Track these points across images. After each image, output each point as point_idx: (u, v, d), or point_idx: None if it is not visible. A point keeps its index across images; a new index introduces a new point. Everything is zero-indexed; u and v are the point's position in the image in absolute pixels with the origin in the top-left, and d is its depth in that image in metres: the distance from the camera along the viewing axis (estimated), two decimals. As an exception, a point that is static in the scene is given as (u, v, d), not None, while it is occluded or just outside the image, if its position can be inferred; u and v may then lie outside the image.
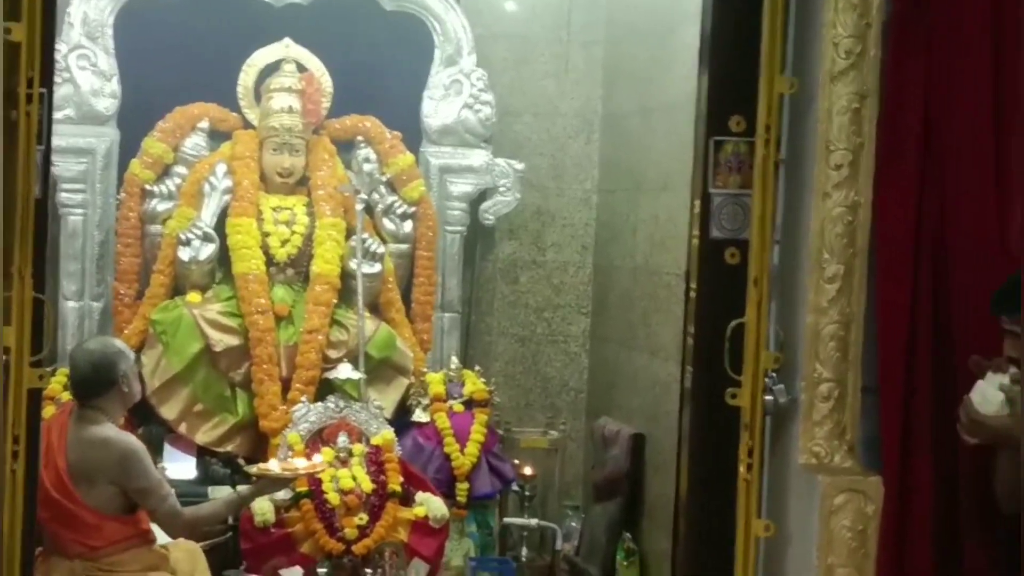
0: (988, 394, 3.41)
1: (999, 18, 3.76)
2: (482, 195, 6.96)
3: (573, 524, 6.86)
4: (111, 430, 5.01)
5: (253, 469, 5.38)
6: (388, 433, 5.94)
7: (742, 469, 3.80)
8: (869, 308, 3.76)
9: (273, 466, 5.37)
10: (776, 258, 3.87)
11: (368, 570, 5.53)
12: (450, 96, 6.87)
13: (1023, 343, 3.43)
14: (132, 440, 5.05)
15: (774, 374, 3.81)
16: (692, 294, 4.11)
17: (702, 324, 4.00)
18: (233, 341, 6.19)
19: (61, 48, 6.22)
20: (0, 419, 3.40)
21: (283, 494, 5.53)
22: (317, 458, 5.62)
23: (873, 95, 3.70)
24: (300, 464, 5.46)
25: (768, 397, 3.80)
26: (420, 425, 6.34)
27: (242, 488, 5.33)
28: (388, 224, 6.68)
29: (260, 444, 6.13)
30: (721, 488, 3.89)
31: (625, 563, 6.42)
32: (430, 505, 5.82)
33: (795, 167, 3.87)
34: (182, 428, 6.15)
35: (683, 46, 5.44)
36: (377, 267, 6.44)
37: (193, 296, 6.29)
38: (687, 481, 4.11)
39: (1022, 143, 3.75)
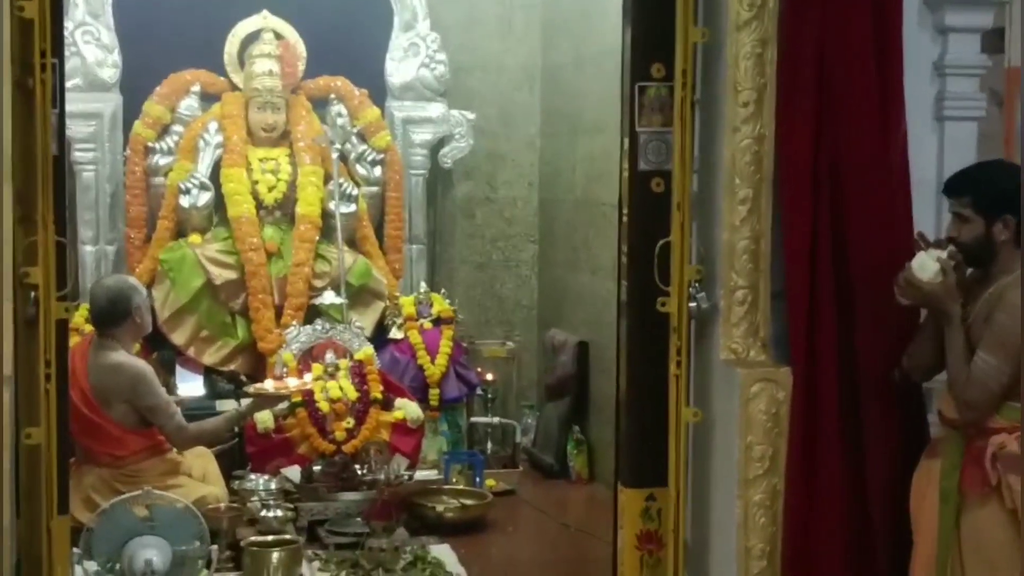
0: (926, 263, 3.43)
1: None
2: (440, 142, 6.93)
3: (530, 421, 6.91)
4: (124, 356, 4.99)
5: (251, 389, 5.38)
6: (368, 349, 5.94)
7: (672, 366, 3.81)
8: (776, 225, 3.76)
9: (268, 385, 5.37)
10: (695, 185, 3.85)
11: (356, 466, 5.54)
12: (409, 57, 6.82)
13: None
14: (142, 364, 5.04)
15: (697, 284, 3.81)
16: (624, 219, 4.10)
17: (634, 244, 3.99)
18: (231, 275, 6.17)
19: (68, 25, 6.11)
20: (34, 346, 3.40)
21: (280, 405, 5.54)
22: (307, 376, 5.62)
23: (773, 41, 3.69)
24: (291, 383, 5.46)
25: (692, 304, 3.79)
26: (396, 341, 6.35)
27: (241, 405, 5.34)
28: (360, 170, 6.65)
29: (259, 362, 6.13)
30: (655, 384, 3.89)
31: (575, 452, 6.48)
32: (407, 409, 5.84)
33: (709, 106, 3.86)
34: (190, 351, 6.14)
35: (609, 4, 5.40)
36: (353, 207, 6.42)
37: (194, 237, 6.26)
38: (626, 379, 4.12)
39: (898, 76, 3.77)
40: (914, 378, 3.66)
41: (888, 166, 3.71)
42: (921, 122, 3.96)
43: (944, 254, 3.44)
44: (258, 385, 5.40)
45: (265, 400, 5.28)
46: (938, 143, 4.06)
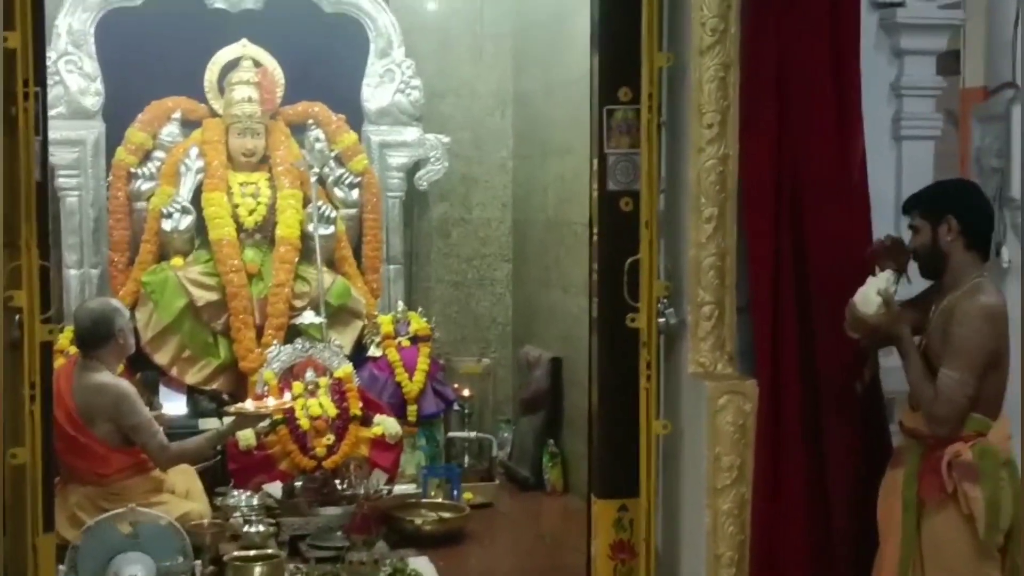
0: (869, 297, 3.47)
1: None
2: (416, 165, 6.92)
3: (506, 435, 6.90)
4: (107, 376, 4.97)
5: (231, 409, 5.36)
6: (348, 367, 5.93)
7: (642, 380, 3.82)
8: (741, 242, 3.79)
9: (248, 405, 5.35)
10: (662, 204, 3.88)
11: (337, 481, 5.52)
12: (384, 83, 6.82)
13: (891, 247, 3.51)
14: (125, 384, 5.02)
15: (665, 300, 3.82)
16: (595, 238, 4.11)
17: (604, 262, 4.01)
18: (213, 296, 6.15)
19: (51, 55, 6.10)
20: (19, 368, 3.38)
21: (261, 424, 5.52)
22: (286, 395, 5.60)
23: (735, 65, 3.72)
24: (271, 402, 5.44)
25: (661, 319, 3.81)
26: (374, 359, 6.33)
27: (222, 425, 5.31)
28: (338, 192, 6.64)
29: (240, 382, 6.11)
30: (626, 397, 3.90)
31: (550, 464, 6.48)
32: (386, 425, 5.82)
33: (674, 128, 3.88)
34: (174, 371, 6.11)
35: (577, 32, 5.42)
36: (331, 229, 6.41)
37: (177, 260, 6.24)
38: (598, 393, 4.13)
39: (856, 97, 3.80)
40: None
41: (847, 184, 3.74)
42: (879, 141, 4.00)
43: (883, 281, 3.46)
44: (238, 405, 5.39)
45: (245, 419, 5.26)
46: (896, 161, 4.10)
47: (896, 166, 4.09)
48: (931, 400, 3.38)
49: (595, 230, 4.10)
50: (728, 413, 3.76)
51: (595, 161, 4.03)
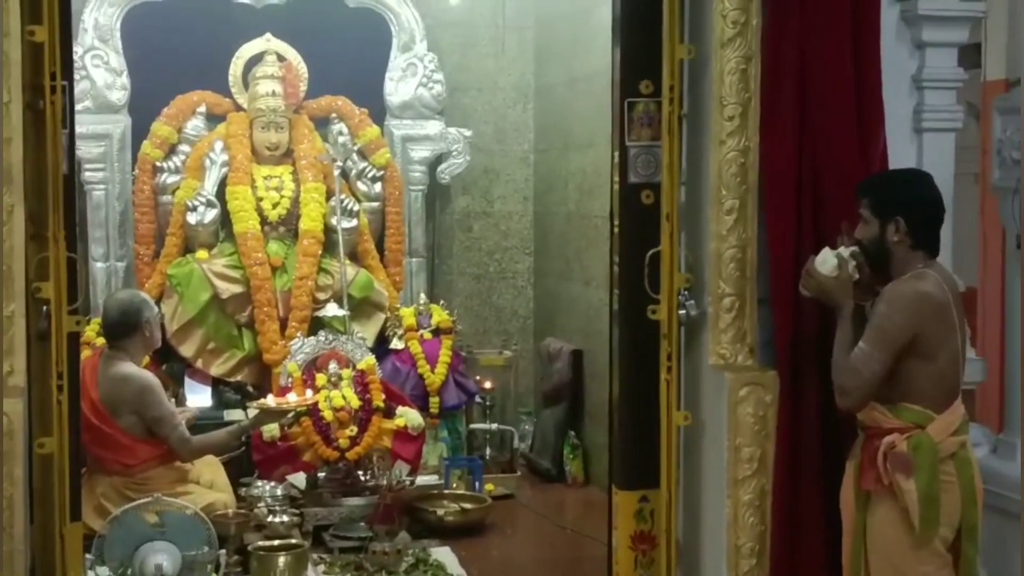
0: (827, 258, 3.47)
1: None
2: (438, 158, 6.93)
3: (527, 427, 6.90)
4: (132, 368, 5.00)
5: (253, 405, 5.39)
6: (370, 359, 5.93)
7: (663, 372, 3.83)
8: (761, 233, 3.78)
9: (270, 401, 5.37)
10: (683, 196, 3.88)
11: (360, 472, 5.54)
12: (407, 77, 6.83)
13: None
14: (149, 376, 5.05)
15: (686, 292, 3.83)
16: (616, 230, 4.12)
17: (625, 255, 4.02)
18: (237, 289, 6.17)
19: (77, 50, 6.12)
20: (47, 358, 3.41)
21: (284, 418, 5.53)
22: (308, 392, 5.59)
23: (757, 57, 3.72)
24: (292, 398, 5.45)
25: (682, 311, 3.82)
26: (397, 351, 6.35)
27: (246, 417, 5.33)
28: (361, 186, 6.65)
29: (264, 373, 6.12)
30: (647, 389, 3.92)
31: (571, 456, 6.48)
32: (408, 417, 5.83)
33: (695, 120, 3.88)
34: (199, 363, 6.13)
35: (599, 25, 5.42)
36: (354, 222, 6.42)
37: (201, 253, 6.26)
38: (619, 385, 4.14)
39: (876, 90, 3.79)
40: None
41: (868, 176, 3.72)
42: (900, 134, 3.98)
43: (847, 252, 3.46)
44: (261, 401, 5.40)
45: (267, 415, 5.28)
46: (916, 154, 4.08)
47: (917, 158, 4.07)
48: (839, 370, 3.39)
49: (616, 222, 4.11)
50: (748, 404, 3.76)
51: (616, 154, 4.04)
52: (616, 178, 4.05)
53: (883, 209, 3.43)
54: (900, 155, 3.91)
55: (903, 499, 3.32)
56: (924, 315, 3.33)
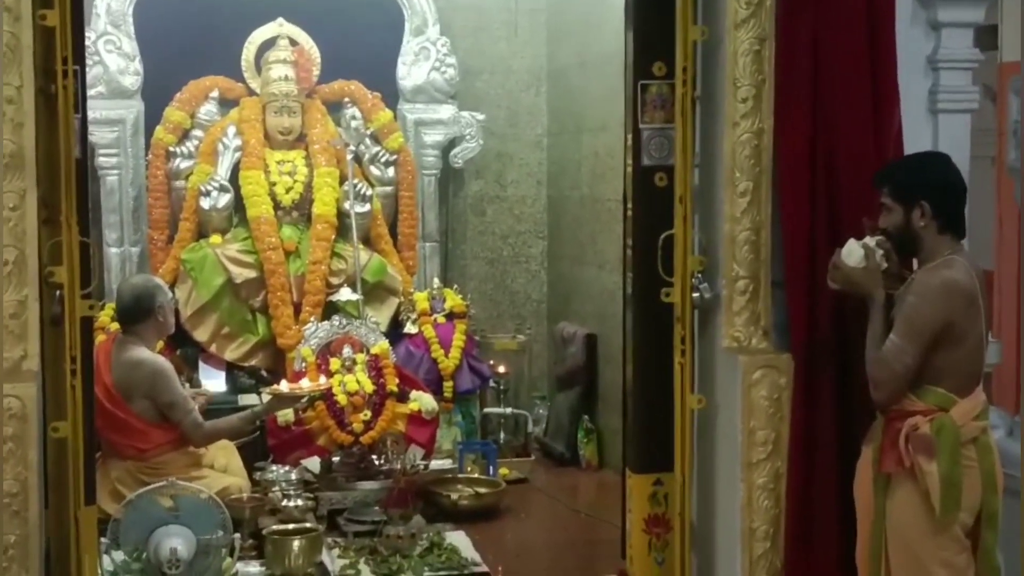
0: (853, 249, 3.45)
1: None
2: (451, 143, 6.92)
3: (541, 411, 6.90)
4: (145, 352, 5.00)
5: (267, 390, 5.39)
6: (384, 343, 5.93)
7: (677, 355, 3.81)
8: (775, 216, 3.76)
9: (283, 387, 5.37)
10: (697, 179, 3.86)
11: (374, 456, 5.54)
12: (420, 61, 6.82)
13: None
14: (162, 361, 5.05)
15: (699, 275, 3.81)
16: (629, 213, 4.12)
17: (638, 238, 4.01)
18: (251, 274, 6.18)
19: (90, 35, 6.14)
20: (60, 343, 3.41)
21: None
22: (322, 379, 5.59)
23: (771, 38, 3.68)
24: (305, 384, 5.45)
25: (695, 294, 3.80)
26: (410, 336, 6.35)
27: (260, 402, 5.34)
28: (374, 170, 6.64)
29: (278, 358, 6.13)
30: (661, 372, 3.91)
31: (585, 440, 6.48)
32: (422, 401, 5.83)
33: (709, 102, 3.85)
34: (213, 348, 6.15)
35: (611, 7, 5.39)
36: (367, 207, 6.42)
37: (215, 238, 6.27)
38: (633, 369, 4.14)
39: (891, 71, 3.76)
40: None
41: (883, 157, 3.70)
42: (916, 115, 3.95)
43: (873, 241, 3.44)
44: (274, 387, 5.41)
45: (280, 401, 5.28)
46: (932, 136, 4.05)
47: (932, 140, 4.03)
48: (871, 361, 3.37)
49: (629, 206, 4.10)
50: (763, 387, 3.75)
51: (629, 136, 4.03)
52: (629, 161, 4.04)
53: (906, 195, 3.41)
54: (915, 136, 3.88)
55: (924, 482, 3.30)
56: (954, 304, 3.31)
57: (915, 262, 3.51)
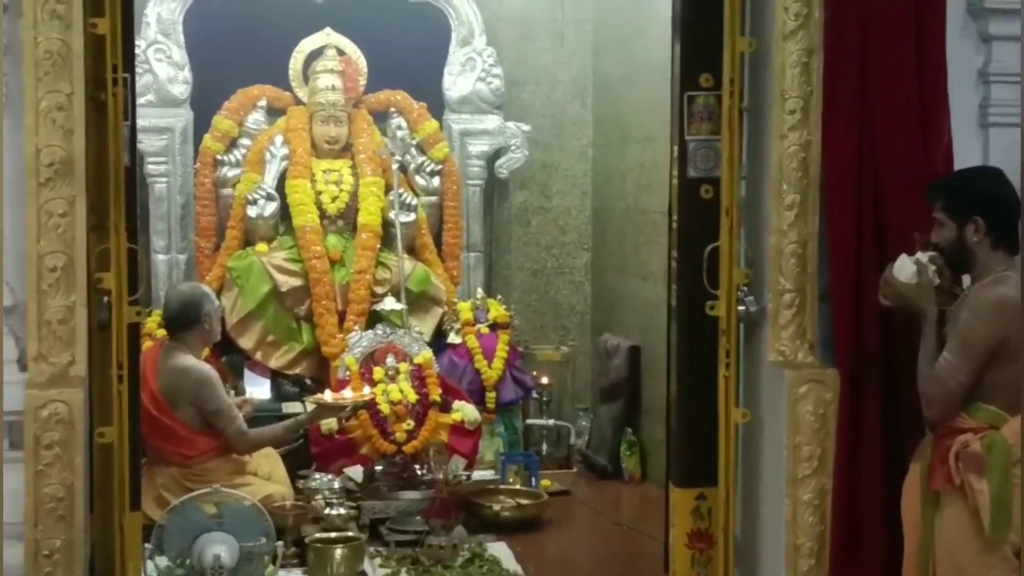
0: (905, 265, 3.41)
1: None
2: (496, 153, 6.92)
3: (584, 423, 6.88)
4: (190, 360, 5.04)
5: (310, 400, 5.41)
6: (428, 353, 5.93)
7: (721, 368, 3.79)
8: (822, 229, 3.72)
9: (327, 396, 5.39)
10: (743, 191, 3.83)
11: (416, 466, 5.54)
12: (466, 71, 6.83)
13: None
14: (207, 369, 5.08)
15: (745, 288, 3.78)
16: (674, 225, 4.10)
17: (684, 250, 3.98)
18: (296, 282, 6.20)
19: (140, 44, 6.20)
20: (107, 348, 3.44)
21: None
22: (365, 389, 5.60)
23: (819, 50, 3.66)
24: (348, 394, 5.47)
25: (741, 307, 3.77)
26: (454, 346, 6.34)
27: (304, 410, 5.36)
28: (420, 180, 6.66)
29: (323, 366, 6.15)
30: (705, 385, 3.87)
31: (628, 453, 6.45)
32: (465, 411, 5.82)
33: (756, 114, 3.83)
34: (258, 355, 6.17)
35: (658, 18, 5.39)
36: (412, 216, 6.43)
37: (261, 246, 6.30)
38: (677, 382, 4.11)
39: (941, 84, 3.72)
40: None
41: (932, 171, 3.66)
42: (966, 128, 3.90)
43: (925, 257, 3.40)
44: (317, 396, 5.43)
45: (324, 410, 5.30)
46: (983, 150, 4.00)
47: (983, 154, 3.99)
48: (924, 379, 3.32)
49: (675, 217, 4.08)
50: (808, 402, 3.71)
51: (675, 148, 4.00)
52: (675, 172, 4.02)
53: (959, 210, 3.37)
54: (965, 150, 3.83)
55: (974, 500, 3.25)
56: (1008, 322, 3.26)
57: (967, 277, 3.47)
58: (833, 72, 3.66)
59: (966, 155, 3.82)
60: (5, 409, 3.39)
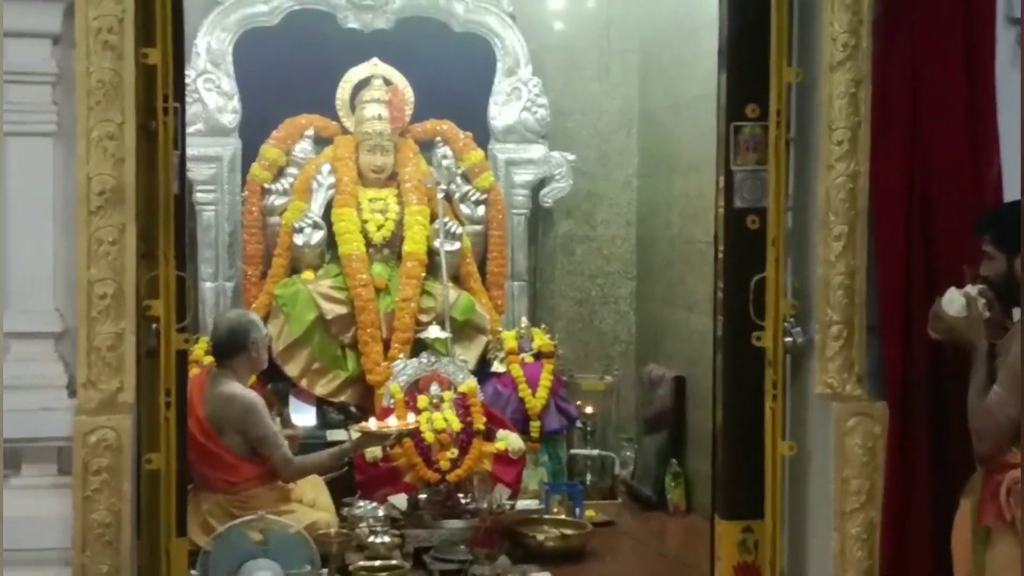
0: (954, 298, 3.38)
1: (969, 9, 3.70)
2: (541, 182, 6.93)
3: (628, 453, 6.83)
4: (237, 387, 5.05)
5: (355, 428, 5.42)
6: (472, 382, 5.93)
7: (768, 400, 3.77)
8: (870, 260, 3.71)
9: (371, 424, 5.39)
10: (790, 221, 3.83)
11: (460, 495, 5.53)
12: (511, 101, 6.85)
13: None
14: (253, 396, 5.09)
15: (792, 319, 3.77)
16: (720, 255, 4.08)
17: (730, 280, 3.97)
18: (342, 310, 6.22)
19: (190, 74, 6.25)
20: (155, 375, 3.46)
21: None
22: (410, 417, 5.60)
23: (867, 81, 3.65)
24: (392, 423, 5.47)
25: (788, 339, 3.76)
26: (498, 375, 6.33)
27: (349, 438, 5.38)
28: (465, 209, 6.68)
29: (367, 394, 6.16)
30: (751, 417, 3.86)
31: (673, 484, 6.40)
32: (509, 440, 5.82)
33: (803, 144, 3.82)
34: (303, 383, 6.19)
35: (704, 49, 5.38)
36: (457, 245, 6.44)
37: (308, 274, 6.33)
38: (722, 413, 4.09)
39: (991, 115, 3.69)
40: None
41: (981, 203, 3.63)
42: (1016, 160, 3.85)
43: (975, 290, 3.36)
44: (362, 424, 5.44)
45: (368, 438, 5.31)
46: (1032, 181, 3.96)
47: (1033, 185, 3.95)
48: (974, 413, 3.28)
49: (721, 248, 4.06)
50: (857, 435, 3.68)
51: (721, 178, 4.00)
52: (721, 203, 4.01)
53: (1009, 243, 3.33)
54: (1015, 181, 3.80)
55: None
56: None
57: (1017, 310, 3.43)
58: (881, 103, 3.65)
59: (1016, 186, 3.78)
60: (54, 435, 3.44)
